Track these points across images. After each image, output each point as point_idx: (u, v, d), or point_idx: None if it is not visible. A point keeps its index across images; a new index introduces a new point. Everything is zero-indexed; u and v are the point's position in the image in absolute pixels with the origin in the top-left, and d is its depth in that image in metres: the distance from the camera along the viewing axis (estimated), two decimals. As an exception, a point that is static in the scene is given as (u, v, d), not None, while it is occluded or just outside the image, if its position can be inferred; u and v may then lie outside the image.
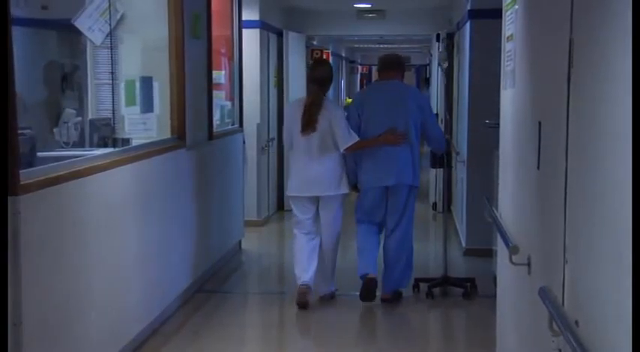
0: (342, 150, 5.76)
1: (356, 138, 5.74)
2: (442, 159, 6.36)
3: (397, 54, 6.46)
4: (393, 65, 6.04)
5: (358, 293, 5.89)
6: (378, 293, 5.95)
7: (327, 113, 5.74)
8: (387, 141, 5.77)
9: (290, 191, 5.98)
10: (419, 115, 5.85)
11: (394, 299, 5.98)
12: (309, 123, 5.72)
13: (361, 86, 24.19)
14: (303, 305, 5.79)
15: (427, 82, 16.39)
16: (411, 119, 5.82)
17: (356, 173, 5.91)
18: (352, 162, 5.89)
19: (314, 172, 5.78)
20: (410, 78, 24.13)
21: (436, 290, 6.20)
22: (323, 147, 5.76)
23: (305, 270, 5.86)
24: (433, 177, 10.67)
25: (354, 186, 5.97)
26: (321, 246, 5.99)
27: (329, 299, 6.05)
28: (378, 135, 5.80)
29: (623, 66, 1.87)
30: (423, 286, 6.21)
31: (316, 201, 5.91)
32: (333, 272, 6.08)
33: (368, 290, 5.84)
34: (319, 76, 5.87)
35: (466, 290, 6.12)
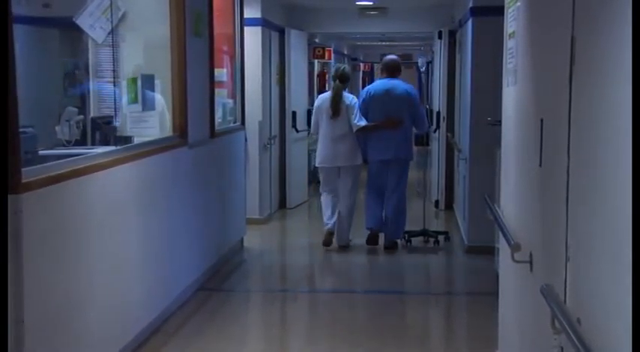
0: (354, 131, 7.61)
1: (364, 122, 7.61)
2: (423, 139, 8.68)
3: (396, 58, 8.16)
4: (393, 67, 7.89)
5: (365, 241, 7.89)
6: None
7: (345, 102, 7.68)
8: (387, 126, 7.56)
9: (318, 163, 7.91)
10: (410, 105, 7.69)
11: (393, 247, 7.77)
12: (335, 110, 7.64)
13: (363, 84, 24.15)
14: (326, 244, 7.79)
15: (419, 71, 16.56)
16: (405, 108, 7.66)
17: (365, 150, 7.72)
18: (363, 142, 7.69)
19: (335, 148, 7.69)
20: (412, 75, 24.13)
21: (422, 242, 8.05)
22: (342, 130, 7.65)
23: (329, 219, 7.80)
24: (435, 174, 10.67)
25: (364, 160, 7.78)
26: (339, 210, 7.80)
27: (346, 247, 7.87)
28: (381, 120, 7.59)
29: (624, 63, 1.87)
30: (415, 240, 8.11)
31: (337, 170, 7.80)
32: (349, 229, 7.92)
33: (373, 239, 7.87)
34: (339, 74, 7.89)
35: (436, 240, 7.95)
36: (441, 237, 8.02)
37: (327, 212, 7.88)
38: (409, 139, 7.76)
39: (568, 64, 2.52)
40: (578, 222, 2.43)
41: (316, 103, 8.02)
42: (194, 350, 4.97)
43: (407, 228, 8.00)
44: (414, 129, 7.88)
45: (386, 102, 7.64)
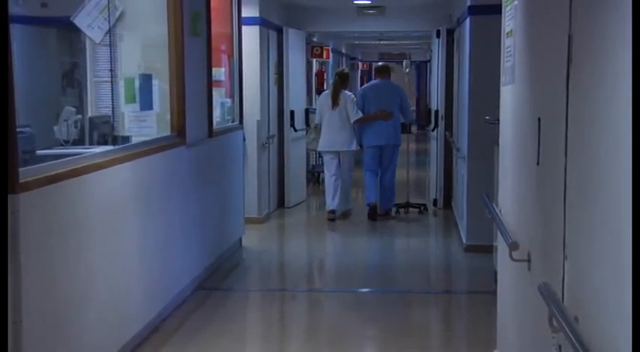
0: (352, 122, 9.30)
1: (360, 115, 9.31)
2: (407, 127, 10.53)
3: (386, 64, 10.45)
4: (384, 70, 9.80)
5: (367, 215, 9.41)
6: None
7: (343, 98, 9.35)
8: (380, 117, 9.31)
9: (320, 147, 9.60)
10: (398, 100, 9.51)
11: (387, 215, 9.51)
12: (334, 100, 9.32)
13: (361, 82, 24.23)
14: (331, 219, 9.33)
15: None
16: (394, 103, 9.45)
17: (361, 137, 9.44)
18: (359, 131, 9.44)
19: (336, 135, 9.32)
20: (411, 74, 24.30)
21: (403, 213, 9.82)
22: (341, 120, 9.28)
23: (332, 200, 9.37)
24: (433, 173, 10.67)
25: (360, 146, 9.46)
26: (340, 182, 9.46)
27: (347, 214, 9.55)
28: (374, 112, 9.34)
29: (622, 61, 1.87)
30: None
31: (338, 154, 9.44)
32: (348, 197, 9.70)
33: (373, 212, 9.37)
34: (339, 73, 9.69)
35: (420, 210, 9.84)
36: (420, 206, 9.92)
37: (329, 194, 9.48)
38: (398, 128, 9.55)
39: (565, 63, 2.52)
40: (575, 220, 2.43)
41: (319, 99, 9.85)
42: (193, 349, 4.97)
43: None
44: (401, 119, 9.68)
45: (379, 98, 9.43)
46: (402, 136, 9.76)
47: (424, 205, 9.96)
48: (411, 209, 9.87)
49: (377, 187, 9.54)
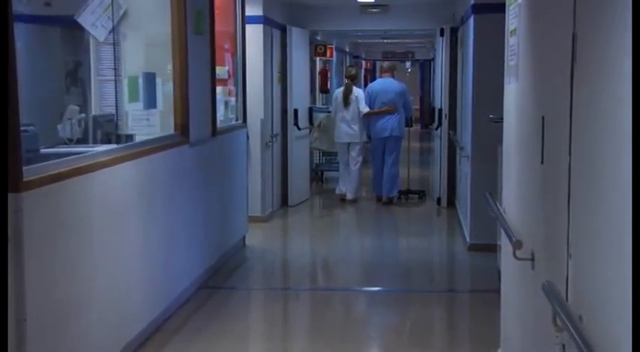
0: (360, 117, 10.51)
1: (368, 109, 10.48)
2: (410, 121, 11.12)
3: (391, 63, 11.82)
4: (389, 69, 11.02)
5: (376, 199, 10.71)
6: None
7: (353, 95, 10.59)
8: (385, 112, 10.41)
9: (336, 139, 10.80)
10: (401, 97, 10.58)
11: (390, 202, 10.51)
12: (346, 100, 10.59)
13: (365, 80, 24.27)
14: (342, 200, 10.72)
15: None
16: (398, 99, 10.50)
17: (369, 130, 10.59)
18: (367, 124, 10.58)
19: (347, 129, 10.62)
20: (414, 73, 24.36)
21: (403, 199, 10.85)
22: (351, 115, 10.56)
23: (340, 189, 10.83)
24: (437, 172, 10.67)
25: (368, 137, 10.67)
26: (351, 170, 10.74)
27: (354, 201, 10.63)
28: (380, 108, 10.43)
29: (625, 60, 1.87)
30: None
31: (348, 144, 10.71)
32: (358, 186, 10.81)
33: (379, 199, 10.58)
34: (349, 74, 10.99)
35: (420, 196, 10.92)
36: (420, 193, 10.98)
37: (340, 183, 10.82)
38: (401, 122, 10.54)
39: (569, 61, 2.51)
40: (579, 219, 2.43)
41: (334, 95, 11.13)
42: (196, 349, 4.97)
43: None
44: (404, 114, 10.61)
45: (384, 95, 10.44)
46: (404, 130, 10.70)
47: (423, 192, 11.03)
48: (410, 195, 10.90)
49: (381, 180, 10.59)
